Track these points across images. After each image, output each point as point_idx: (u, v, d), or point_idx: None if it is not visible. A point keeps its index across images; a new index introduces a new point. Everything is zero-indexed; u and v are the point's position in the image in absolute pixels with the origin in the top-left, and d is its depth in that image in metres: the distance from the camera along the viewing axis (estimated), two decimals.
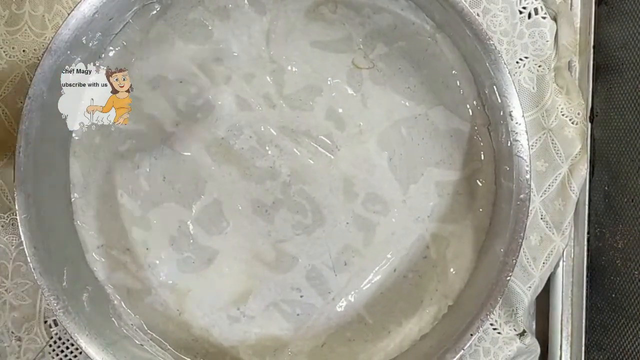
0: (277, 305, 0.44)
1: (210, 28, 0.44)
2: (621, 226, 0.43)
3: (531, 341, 0.46)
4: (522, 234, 0.39)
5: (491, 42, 0.39)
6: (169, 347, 0.44)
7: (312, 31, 0.44)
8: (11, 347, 0.45)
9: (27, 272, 0.45)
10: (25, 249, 0.38)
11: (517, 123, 0.39)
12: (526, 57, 0.46)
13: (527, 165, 0.39)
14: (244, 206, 0.44)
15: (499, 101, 0.40)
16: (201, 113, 0.44)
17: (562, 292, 0.47)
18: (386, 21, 0.44)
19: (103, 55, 0.43)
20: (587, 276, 0.46)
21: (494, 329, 0.46)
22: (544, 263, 0.46)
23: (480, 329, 0.38)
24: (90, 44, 0.40)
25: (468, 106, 0.44)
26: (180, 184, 0.44)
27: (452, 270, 0.44)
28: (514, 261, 0.39)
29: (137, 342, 0.42)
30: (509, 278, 0.39)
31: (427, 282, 0.44)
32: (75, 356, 0.45)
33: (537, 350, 0.46)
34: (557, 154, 0.46)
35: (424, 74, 0.44)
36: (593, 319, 0.45)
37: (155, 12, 0.43)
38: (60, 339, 0.45)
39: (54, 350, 0.45)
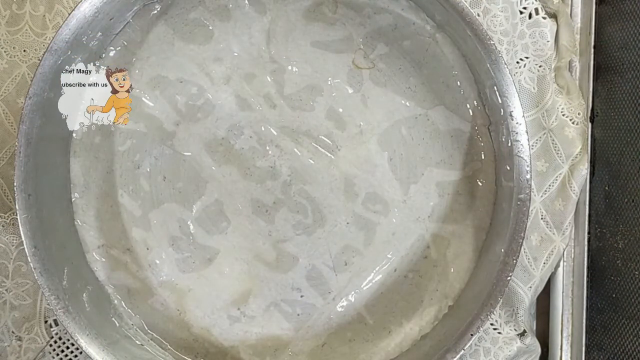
0: (278, 305, 0.44)
1: (210, 28, 0.44)
2: (622, 226, 0.43)
3: (531, 341, 0.45)
4: (522, 234, 0.39)
5: (491, 42, 0.39)
6: (169, 347, 0.44)
7: (313, 31, 0.44)
8: (11, 347, 0.45)
9: (28, 271, 0.45)
10: (26, 249, 0.38)
11: (517, 123, 0.39)
12: (527, 57, 0.46)
13: (528, 165, 0.39)
14: (244, 206, 0.44)
15: (500, 101, 0.40)
16: (201, 113, 0.44)
17: (563, 292, 0.47)
18: (386, 21, 0.44)
19: (103, 55, 0.43)
20: (587, 276, 0.46)
21: (495, 329, 0.46)
22: (544, 263, 0.46)
23: (481, 328, 0.38)
24: (91, 44, 0.40)
25: (468, 106, 0.44)
26: (180, 183, 0.44)
27: (452, 270, 0.44)
28: (515, 261, 0.39)
29: (137, 342, 0.42)
30: (509, 278, 0.39)
31: (427, 282, 0.44)
32: (76, 356, 0.45)
33: (538, 350, 0.46)
34: (557, 154, 0.46)
35: (424, 74, 0.44)
36: (593, 319, 0.45)
37: (155, 12, 0.43)
38: (60, 338, 0.45)
39: (54, 350, 0.45)
